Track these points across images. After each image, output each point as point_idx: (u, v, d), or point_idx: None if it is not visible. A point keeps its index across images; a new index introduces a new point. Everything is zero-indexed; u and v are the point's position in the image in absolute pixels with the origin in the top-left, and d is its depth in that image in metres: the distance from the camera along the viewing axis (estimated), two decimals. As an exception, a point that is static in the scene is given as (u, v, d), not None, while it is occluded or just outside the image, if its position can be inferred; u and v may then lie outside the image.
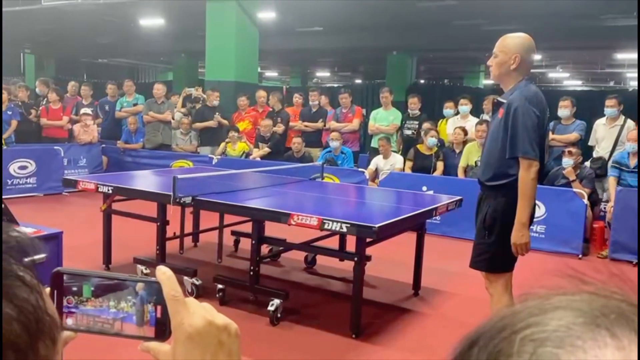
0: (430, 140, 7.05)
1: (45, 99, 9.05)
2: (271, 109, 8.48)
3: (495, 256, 2.93)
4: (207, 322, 0.60)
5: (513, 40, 2.91)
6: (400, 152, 7.58)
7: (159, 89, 8.78)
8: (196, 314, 0.60)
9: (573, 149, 6.21)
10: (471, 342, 0.40)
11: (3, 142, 8.27)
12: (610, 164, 6.31)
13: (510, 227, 2.83)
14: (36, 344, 0.44)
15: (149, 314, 0.62)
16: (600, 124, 6.84)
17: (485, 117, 7.41)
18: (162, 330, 0.61)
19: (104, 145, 9.03)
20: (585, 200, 5.79)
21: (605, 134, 6.71)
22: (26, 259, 0.47)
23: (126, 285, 0.62)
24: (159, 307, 0.61)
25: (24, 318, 0.43)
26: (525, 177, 2.78)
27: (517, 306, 0.40)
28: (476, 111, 7.93)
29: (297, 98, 8.89)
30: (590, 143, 6.98)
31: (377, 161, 7.35)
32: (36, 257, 0.51)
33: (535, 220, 5.96)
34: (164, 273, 0.61)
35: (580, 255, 5.75)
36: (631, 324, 0.36)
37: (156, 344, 0.62)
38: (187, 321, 0.59)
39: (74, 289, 0.63)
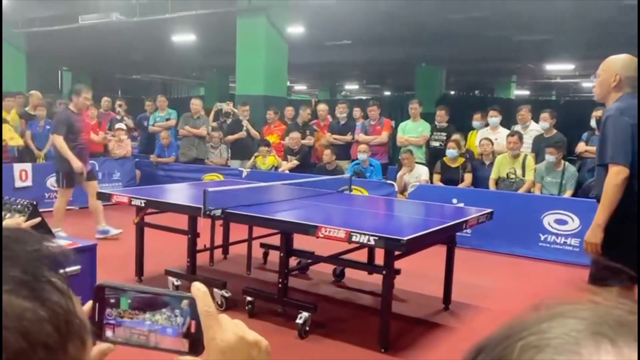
0: (449, 152, 7.01)
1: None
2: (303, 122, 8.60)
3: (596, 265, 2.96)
4: (239, 338, 0.62)
5: (615, 61, 2.99)
6: (427, 164, 7.53)
7: (195, 104, 8.94)
8: (228, 329, 0.62)
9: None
10: (478, 350, 0.41)
11: (44, 156, 8.55)
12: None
13: (616, 239, 2.86)
14: (66, 344, 0.48)
15: (184, 328, 0.64)
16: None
17: (517, 128, 7.31)
18: (196, 344, 0.63)
19: (137, 159, 9.24)
20: (622, 213, 5.63)
21: (641, 145, 6.53)
22: (61, 270, 0.51)
23: (162, 299, 0.65)
24: (193, 322, 0.63)
25: (55, 319, 0.47)
26: (610, 181, 2.82)
27: (524, 316, 0.41)
28: (507, 122, 7.83)
29: (321, 111, 8.87)
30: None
31: (403, 174, 7.32)
32: (70, 268, 0.54)
33: (569, 233, 5.94)
34: (198, 289, 0.64)
35: (617, 270, 5.58)
36: (633, 333, 0.36)
37: (190, 357, 0.64)
38: (219, 336, 0.62)
39: (112, 301, 0.66)
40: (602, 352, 0.35)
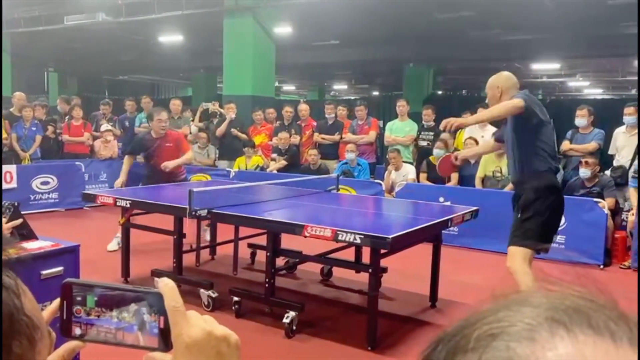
0: (436, 152, 7.07)
1: (68, 116, 9.25)
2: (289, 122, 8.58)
3: (520, 231, 3.38)
4: (206, 333, 0.61)
5: (493, 79, 3.64)
6: (415, 163, 7.57)
7: (175, 105, 8.91)
8: (195, 325, 0.61)
9: (590, 159, 6.13)
10: (437, 341, 0.41)
11: (29, 157, 8.47)
12: (630, 174, 6.20)
13: (536, 210, 3.37)
14: (9, 342, 0.46)
15: (152, 324, 0.63)
16: (620, 132, 6.74)
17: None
18: (166, 341, 0.62)
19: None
20: (606, 210, 5.69)
21: (625, 143, 6.61)
22: (10, 270, 0.49)
23: (129, 296, 0.64)
24: (161, 318, 0.62)
25: None
26: (507, 104, 3.35)
27: (480, 306, 0.41)
28: (496, 121, 7.85)
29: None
30: (610, 152, 6.88)
31: (390, 173, 7.33)
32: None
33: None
34: (166, 284, 0.62)
35: (601, 266, 5.64)
36: (587, 320, 0.37)
37: (159, 354, 0.63)
38: (186, 332, 0.60)
39: (79, 299, 0.65)
40: (557, 338, 0.36)
